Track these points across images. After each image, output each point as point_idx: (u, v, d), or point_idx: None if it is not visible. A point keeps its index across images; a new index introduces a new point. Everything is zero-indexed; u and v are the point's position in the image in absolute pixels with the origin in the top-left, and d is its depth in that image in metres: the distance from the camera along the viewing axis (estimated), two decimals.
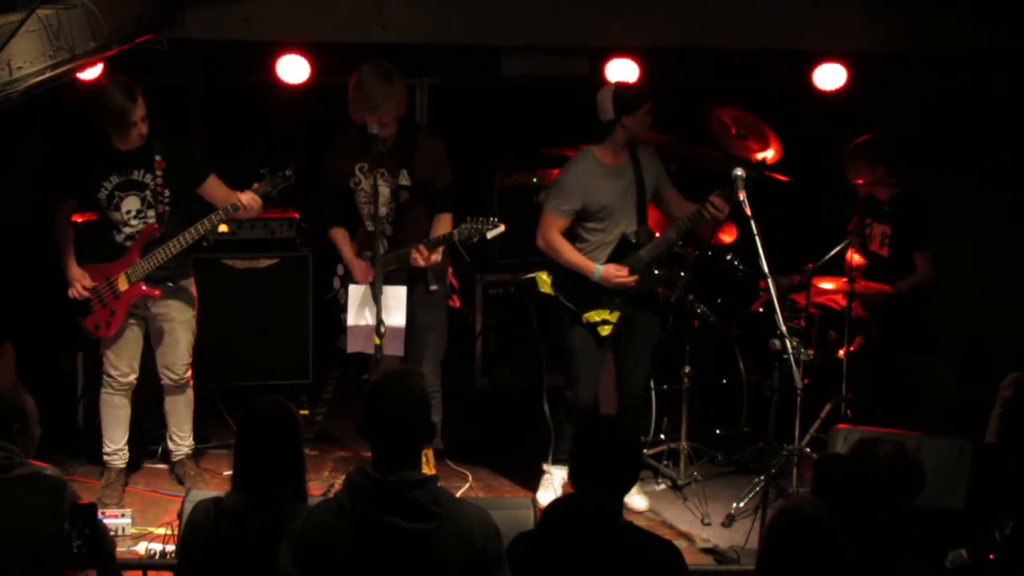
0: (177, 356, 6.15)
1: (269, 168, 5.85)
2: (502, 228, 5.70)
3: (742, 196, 5.49)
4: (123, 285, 5.96)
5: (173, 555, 4.96)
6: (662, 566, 3.71)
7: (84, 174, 5.93)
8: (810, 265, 6.46)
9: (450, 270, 6.30)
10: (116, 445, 6.19)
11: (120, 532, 5.57)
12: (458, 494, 5.58)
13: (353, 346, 5.96)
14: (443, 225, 5.99)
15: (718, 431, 6.91)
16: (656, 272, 6.04)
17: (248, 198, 5.85)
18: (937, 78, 7.14)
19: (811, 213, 7.60)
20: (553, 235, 5.97)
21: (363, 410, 3.58)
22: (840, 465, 4.12)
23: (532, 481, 6.37)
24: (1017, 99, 7.08)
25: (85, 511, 3.84)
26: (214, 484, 6.21)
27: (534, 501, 5.06)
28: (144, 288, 5.95)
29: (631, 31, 6.94)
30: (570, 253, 5.97)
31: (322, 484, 6.21)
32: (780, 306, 5.34)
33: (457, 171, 6.16)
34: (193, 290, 6.18)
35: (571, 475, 3.88)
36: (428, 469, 5.87)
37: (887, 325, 6.66)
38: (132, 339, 6.10)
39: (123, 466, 6.23)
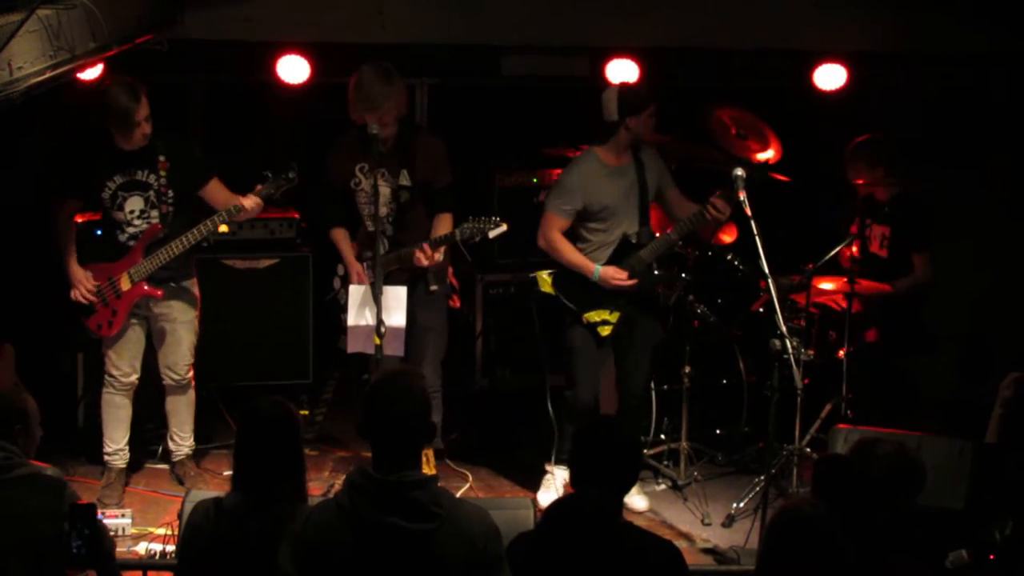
0: (179, 356, 6.15)
1: (273, 170, 5.85)
2: (504, 227, 5.70)
3: (742, 196, 5.49)
4: (125, 285, 5.96)
5: (173, 555, 4.97)
6: (662, 566, 3.71)
7: (88, 174, 5.93)
8: (810, 265, 6.46)
9: (450, 270, 6.31)
10: (117, 445, 6.19)
11: (120, 532, 5.57)
12: (458, 494, 5.59)
13: (353, 346, 5.97)
14: (443, 225, 5.99)
15: (718, 431, 6.92)
16: (656, 272, 6.05)
17: (252, 203, 5.85)
18: (937, 78, 7.14)
19: (811, 213, 7.60)
20: (554, 234, 5.97)
21: (363, 410, 3.58)
22: (840, 465, 4.12)
23: (532, 481, 6.37)
24: (1017, 99, 7.08)
25: (84, 511, 3.85)
26: (214, 484, 6.21)
27: (534, 501, 5.05)
28: (146, 288, 5.96)
29: (631, 31, 6.94)
30: (570, 253, 5.97)
31: (322, 484, 6.21)
32: (780, 306, 5.34)
33: (457, 171, 6.16)
34: (196, 290, 6.18)
35: (571, 475, 3.88)
36: (428, 469, 5.87)
37: (887, 325, 6.67)
38: (134, 339, 6.10)
39: (123, 466, 6.23)
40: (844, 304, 6.45)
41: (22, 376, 6.16)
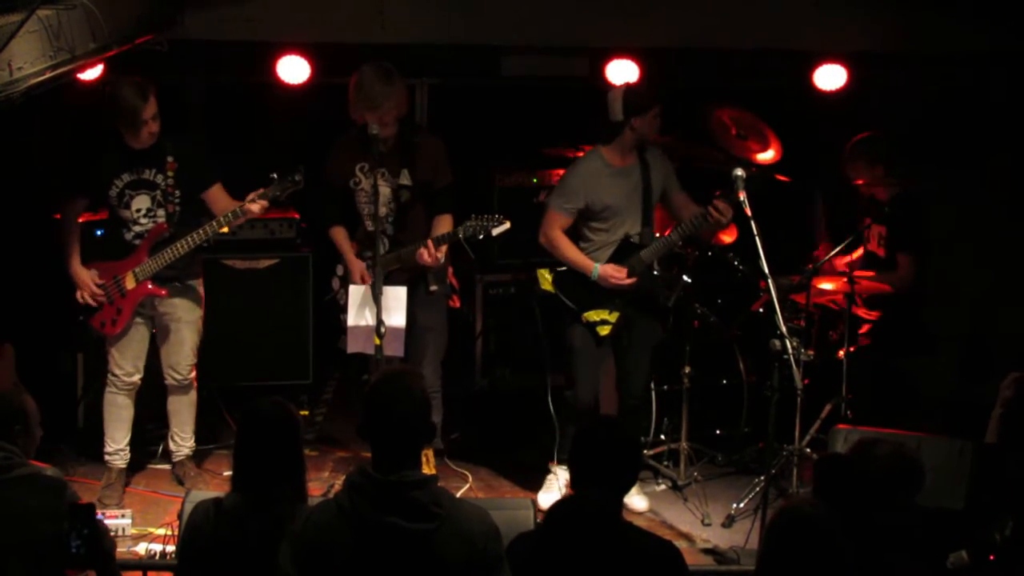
0: (182, 356, 6.15)
1: (279, 172, 5.85)
2: (507, 225, 5.71)
3: (742, 196, 5.49)
4: (130, 284, 5.97)
5: (173, 556, 4.97)
6: (662, 567, 3.71)
7: (96, 171, 5.95)
8: (810, 265, 6.46)
9: (450, 270, 6.31)
10: (118, 445, 6.19)
11: (120, 533, 5.57)
12: (458, 494, 5.59)
13: (353, 347, 5.97)
14: (443, 227, 5.98)
15: (718, 431, 6.92)
16: (656, 273, 6.04)
17: (259, 207, 5.85)
18: (937, 78, 7.13)
19: (811, 213, 7.60)
20: (555, 232, 5.98)
21: (363, 411, 3.58)
22: (840, 465, 4.12)
23: (532, 481, 6.37)
24: (1017, 99, 7.07)
25: (84, 511, 3.85)
26: (214, 485, 6.21)
27: (534, 502, 5.05)
28: (150, 287, 5.96)
29: (631, 31, 6.93)
30: (570, 251, 5.98)
31: (322, 484, 6.21)
32: (780, 306, 5.34)
33: (457, 171, 6.16)
34: (201, 290, 6.19)
35: (571, 475, 3.88)
36: (428, 469, 5.87)
37: (887, 325, 6.67)
38: (138, 338, 6.10)
39: (124, 466, 6.23)
40: (844, 303, 6.46)
41: (22, 376, 6.16)
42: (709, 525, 6.05)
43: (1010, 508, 4.81)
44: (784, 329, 5.29)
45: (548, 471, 6.27)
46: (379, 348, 5.56)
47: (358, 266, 6.08)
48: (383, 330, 5.56)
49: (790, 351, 5.25)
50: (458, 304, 6.58)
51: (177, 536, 4.49)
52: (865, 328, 6.69)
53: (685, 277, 6.60)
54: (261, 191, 5.85)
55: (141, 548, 5.46)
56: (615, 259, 5.95)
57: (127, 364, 6.10)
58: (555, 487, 6.19)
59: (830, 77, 6.98)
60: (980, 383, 6.61)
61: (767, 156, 7.09)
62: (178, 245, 5.91)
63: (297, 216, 7.18)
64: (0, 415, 4.12)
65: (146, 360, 6.17)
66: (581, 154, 6.52)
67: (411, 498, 3.45)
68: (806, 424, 6.37)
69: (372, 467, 3.51)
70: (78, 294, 6.00)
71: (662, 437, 6.79)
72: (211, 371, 6.50)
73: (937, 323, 6.81)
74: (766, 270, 5.38)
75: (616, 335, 6.04)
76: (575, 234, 6.03)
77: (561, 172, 6.77)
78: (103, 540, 3.91)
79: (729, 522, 6.04)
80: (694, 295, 6.71)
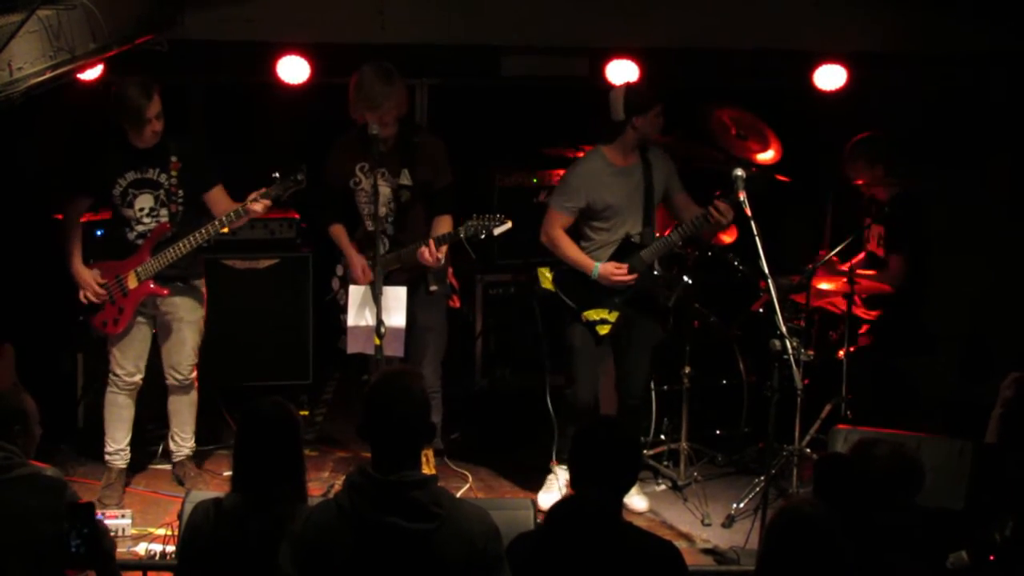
0: (183, 356, 6.15)
1: (282, 171, 5.85)
2: (509, 224, 5.71)
3: (742, 196, 5.49)
4: (132, 283, 5.97)
5: (173, 556, 4.97)
6: (662, 567, 3.71)
7: (99, 170, 5.96)
8: (810, 265, 6.46)
9: (450, 270, 6.31)
10: (118, 445, 6.19)
11: (120, 533, 5.56)
12: (458, 494, 5.59)
13: (353, 347, 5.96)
14: (443, 227, 5.98)
15: (718, 431, 6.92)
16: (656, 273, 6.04)
17: (262, 206, 5.85)
18: (937, 78, 7.13)
19: (811, 213, 7.59)
20: (556, 231, 5.98)
21: (363, 411, 3.58)
22: (840, 465, 4.12)
23: (532, 481, 6.37)
24: (1017, 99, 7.07)
25: (83, 510, 3.85)
26: (214, 485, 6.21)
27: (534, 502, 5.05)
28: (152, 286, 5.97)
29: (631, 31, 6.93)
30: (571, 250, 5.98)
31: (322, 484, 6.21)
32: (780, 306, 5.34)
33: (457, 171, 6.16)
34: (203, 290, 6.20)
35: (571, 475, 3.88)
36: (428, 469, 5.87)
37: (887, 325, 6.67)
38: (139, 338, 6.10)
39: (124, 466, 6.23)
40: (843, 306, 6.46)
41: (22, 376, 6.17)
42: (709, 525, 6.05)
43: (1010, 508, 4.81)
44: (784, 329, 5.29)
45: (549, 471, 6.26)
46: (379, 348, 5.56)
47: (359, 261, 6.08)
48: (383, 330, 5.56)
49: (790, 351, 5.25)
50: (458, 304, 6.58)
51: (177, 536, 4.49)
52: (865, 328, 6.69)
53: (685, 277, 6.60)
54: (263, 190, 5.85)
55: (141, 548, 5.46)
56: (615, 259, 5.96)
57: (128, 364, 6.11)
58: (555, 487, 6.19)
59: (830, 77, 6.98)
60: (980, 383, 6.62)
61: (767, 156, 7.09)
62: (180, 244, 5.91)
63: (297, 216, 7.18)
64: (0, 415, 4.12)
65: (147, 360, 6.17)
66: (581, 154, 6.52)
67: (411, 498, 3.45)
68: (806, 424, 6.37)
69: (372, 467, 3.51)
70: (81, 294, 6.01)
71: (662, 437, 6.79)
72: (211, 371, 6.50)
73: (937, 323, 6.81)
74: (766, 270, 5.38)
75: (616, 335, 6.04)
76: (576, 233, 6.03)
77: (561, 172, 6.78)
78: (103, 540, 3.91)
79: (729, 522, 6.04)
80: (694, 295, 6.71)
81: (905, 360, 6.73)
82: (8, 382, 5.98)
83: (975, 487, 5.39)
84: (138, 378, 6.15)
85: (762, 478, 5.95)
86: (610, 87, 6.10)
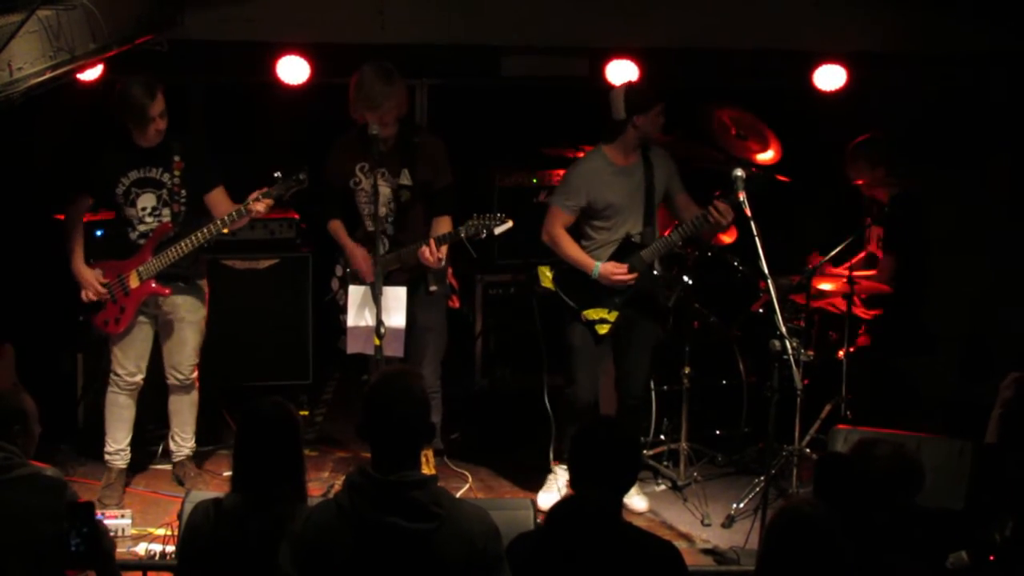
0: (184, 356, 6.16)
1: (284, 171, 5.85)
2: (510, 224, 5.70)
3: (742, 197, 5.49)
4: (134, 282, 5.98)
5: (173, 556, 4.97)
6: (662, 567, 3.71)
7: (102, 169, 5.97)
8: (811, 265, 6.47)
9: (450, 270, 6.31)
10: (119, 445, 6.19)
11: (120, 533, 5.56)
12: (458, 494, 5.60)
13: (353, 347, 5.96)
14: (443, 227, 5.97)
15: (718, 432, 6.92)
16: (656, 272, 6.04)
17: (264, 205, 5.85)
18: (937, 78, 7.13)
19: (811, 214, 7.60)
20: (557, 230, 5.99)
21: (362, 411, 3.58)
22: (841, 464, 4.12)
23: (532, 481, 6.37)
24: (1017, 99, 7.08)
25: (83, 510, 3.85)
26: (214, 485, 6.21)
27: (534, 502, 5.05)
28: (154, 286, 5.97)
29: (631, 31, 6.93)
30: (572, 249, 5.98)
31: (322, 484, 6.21)
32: (780, 307, 5.34)
33: (457, 171, 6.16)
34: (205, 290, 6.21)
35: (571, 475, 3.88)
36: (428, 469, 5.87)
37: (887, 325, 6.67)
38: (141, 338, 6.11)
39: (124, 466, 6.23)
40: (842, 306, 6.46)
41: (22, 376, 6.17)
42: (709, 525, 6.05)
43: (1010, 508, 4.81)
44: (784, 329, 5.29)
45: (549, 471, 6.26)
46: (379, 348, 5.56)
47: (360, 251, 6.06)
48: (383, 330, 5.55)
49: (790, 351, 5.25)
50: (458, 304, 6.58)
51: (177, 536, 4.49)
52: (864, 328, 6.69)
53: (685, 277, 6.60)
54: (265, 190, 5.85)
55: (141, 548, 5.46)
56: (615, 258, 5.95)
57: (130, 364, 6.11)
58: (555, 487, 6.19)
59: (830, 77, 6.98)
60: (980, 383, 6.62)
61: (767, 156, 7.09)
62: (182, 244, 5.92)
63: (297, 216, 7.18)
64: (0, 415, 4.12)
65: (148, 360, 6.18)
66: (581, 154, 6.52)
67: (411, 498, 3.45)
68: (806, 424, 6.37)
69: (372, 467, 3.51)
70: (83, 293, 6.01)
71: (662, 437, 6.79)
72: (211, 371, 6.50)
73: (937, 323, 6.81)
74: (766, 270, 5.38)
75: (616, 335, 6.04)
76: (577, 232, 6.04)
77: (561, 172, 6.78)
78: (103, 539, 3.91)
79: (729, 522, 6.04)
80: (694, 295, 6.71)
81: (905, 360, 6.73)
82: (8, 382, 5.98)
83: (975, 487, 5.39)
84: (139, 378, 6.15)
85: (762, 478, 5.95)
86: (610, 87, 6.10)
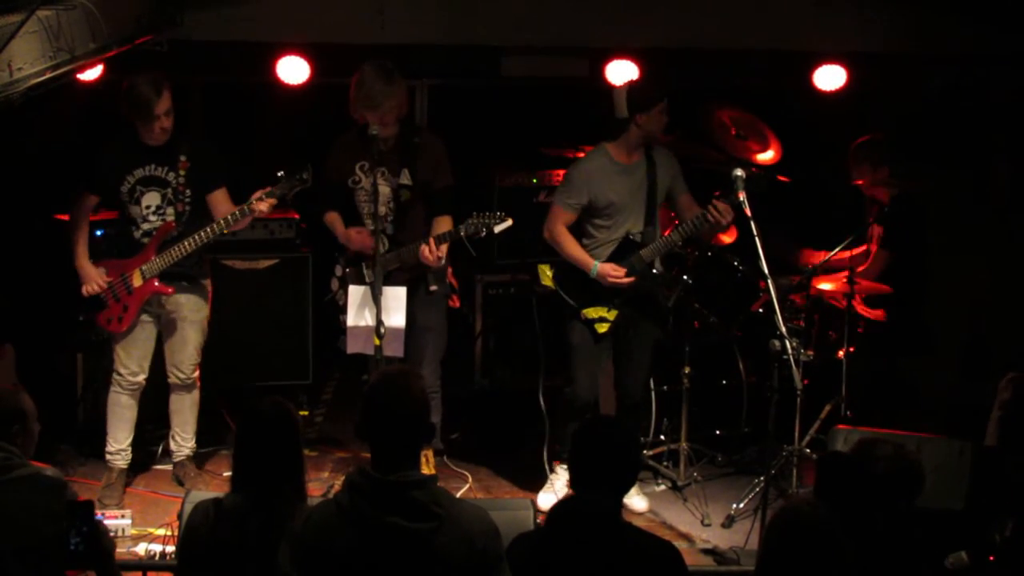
0: (186, 355, 6.16)
1: (287, 170, 5.85)
2: (509, 222, 5.70)
3: (742, 197, 5.49)
4: (137, 281, 5.99)
5: (173, 556, 4.97)
6: (662, 567, 3.71)
7: (109, 166, 5.98)
8: (810, 265, 6.47)
9: (449, 270, 6.31)
10: (120, 445, 6.19)
11: (120, 533, 5.57)
12: (458, 494, 5.60)
13: (353, 347, 5.96)
14: (443, 227, 5.97)
15: (718, 432, 6.91)
16: (655, 272, 6.04)
17: (267, 205, 5.86)
18: (937, 78, 7.13)
19: (811, 214, 7.60)
20: (558, 228, 5.99)
21: (362, 411, 3.58)
22: (843, 464, 4.12)
23: (532, 481, 6.37)
24: (1017, 99, 7.08)
25: (82, 508, 3.85)
26: (214, 485, 6.21)
27: (534, 502, 5.05)
28: (157, 284, 5.98)
29: (631, 32, 6.93)
30: (572, 247, 5.98)
31: (322, 484, 6.21)
32: (780, 306, 5.34)
33: (457, 171, 6.16)
34: (208, 290, 6.21)
35: (571, 476, 3.88)
36: (428, 469, 5.88)
37: (888, 325, 6.67)
38: (144, 338, 6.11)
39: (125, 466, 6.23)
40: (843, 301, 6.46)
41: (22, 376, 6.17)
42: (709, 525, 6.05)
43: (1010, 509, 4.81)
44: (784, 329, 5.29)
45: (551, 471, 6.26)
46: (379, 348, 5.56)
47: (352, 231, 6.04)
48: (383, 330, 5.55)
49: (790, 351, 5.25)
50: (458, 304, 6.58)
51: (177, 536, 4.49)
52: (864, 327, 6.69)
53: (685, 277, 6.60)
54: (268, 189, 5.86)
55: (141, 548, 5.46)
56: (615, 257, 5.95)
57: (132, 364, 6.11)
58: (555, 487, 6.19)
59: (830, 77, 6.98)
60: (980, 383, 6.61)
61: (767, 156, 7.09)
62: (185, 243, 5.92)
63: (297, 216, 7.18)
64: (0, 416, 4.13)
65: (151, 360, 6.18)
66: (581, 154, 6.52)
67: (411, 498, 3.45)
68: (806, 424, 6.37)
69: (372, 467, 3.51)
70: (84, 287, 6.01)
71: (662, 437, 6.79)
72: (211, 371, 6.50)
73: (937, 323, 6.81)
74: (766, 270, 5.38)
75: (615, 334, 6.04)
76: (579, 231, 6.04)
77: (561, 172, 6.78)
78: (102, 538, 3.91)
79: (729, 522, 6.04)
80: (694, 295, 6.71)
81: (905, 360, 6.73)
82: (8, 382, 5.98)
83: (975, 488, 5.39)
84: (141, 378, 6.15)
85: (762, 478, 5.95)
86: (610, 87, 6.10)
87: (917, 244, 6.65)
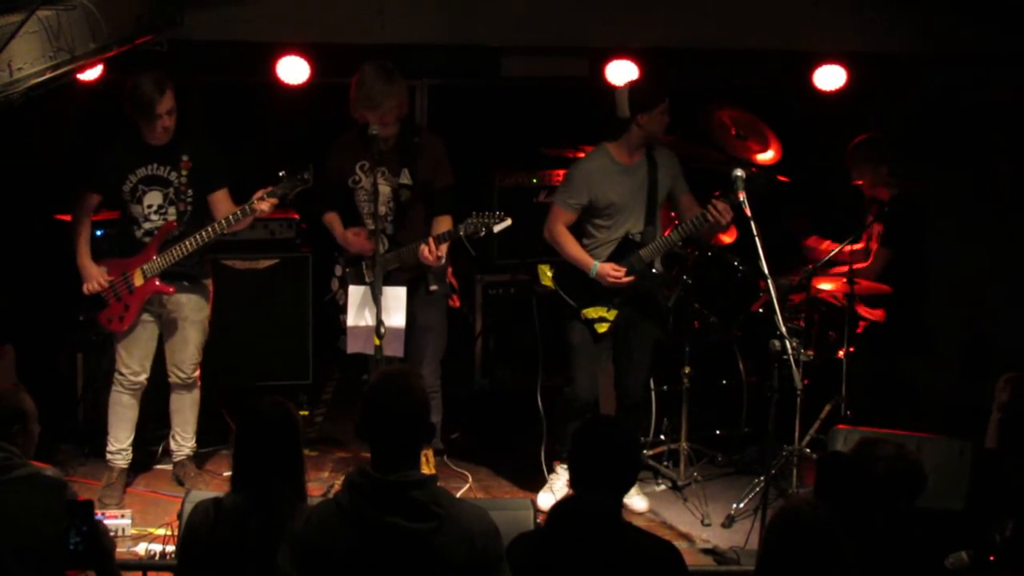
0: (187, 354, 6.16)
1: (288, 170, 5.86)
2: (509, 222, 5.70)
3: (742, 197, 5.49)
4: (138, 280, 5.99)
5: (173, 556, 4.97)
6: (662, 567, 3.71)
7: (112, 164, 5.98)
8: (810, 265, 6.47)
9: (450, 269, 6.31)
10: (120, 444, 6.20)
11: (120, 533, 5.57)
12: (458, 494, 5.60)
13: (353, 347, 5.96)
14: (443, 227, 5.97)
15: (718, 432, 6.91)
16: (655, 272, 6.04)
17: (268, 204, 5.86)
18: (937, 78, 7.13)
19: (811, 214, 7.60)
20: (558, 228, 5.99)
21: (362, 411, 3.58)
22: (844, 464, 4.12)
23: (532, 481, 6.37)
24: (1017, 99, 7.08)
25: (82, 508, 3.85)
26: (214, 485, 6.21)
27: (534, 502, 5.05)
28: (158, 284, 5.98)
29: (631, 32, 6.93)
30: (571, 247, 5.98)
31: (322, 484, 6.21)
32: (780, 306, 5.34)
33: (457, 171, 6.16)
34: (209, 289, 6.22)
35: (571, 476, 3.88)
36: (428, 469, 5.88)
37: (888, 325, 6.67)
38: (145, 337, 6.11)
39: (125, 466, 6.23)
40: (844, 301, 6.47)
41: (22, 376, 6.17)
42: (709, 525, 6.05)
43: (1010, 509, 4.81)
44: (784, 329, 5.29)
45: (552, 470, 6.26)
46: (379, 348, 5.56)
47: (351, 233, 6.04)
48: (383, 330, 5.55)
49: (790, 351, 5.25)
50: (458, 304, 6.59)
51: (177, 536, 4.49)
52: (864, 327, 6.69)
53: (685, 277, 6.60)
54: (270, 189, 5.86)
55: (141, 548, 5.46)
56: (615, 256, 5.95)
57: (134, 363, 6.11)
58: (556, 487, 6.19)
59: (830, 77, 6.98)
60: (980, 383, 6.62)
61: (767, 156, 7.09)
62: (186, 243, 5.93)
63: (297, 216, 7.18)
64: (0, 416, 4.13)
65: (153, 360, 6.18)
66: (581, 154, 6.52)
67: (411, 498, 3.45)
68: (806, 424, 6.37)
69: (372, 467, 3.51)
70: (84, 286, 6.02)
71: (662, 437, 6.79)
72: (211, 371, 6.50)
73: (937, 323, 6.81)
74: (766, 270, 5.38)
75: (615, 334, 6.04)
76: (579, 231, 6.04)
77: (561, 172, 6.78)
78: (102, 538, 3.91)
79: (729, 522, 6.04)
80: (694, 295, 6.71)
81: (905, 360, 6.73)
82: (8, 382, 5.98)
83: (975, 488, 5.39)
84: (143, 378, 6.15)
85: (762, 478, 5.95)
86: (611, 87, 6.09)
87: (917, 244, 6.65)
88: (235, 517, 3.80)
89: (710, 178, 6.51)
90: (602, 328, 5.99)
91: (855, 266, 6.49)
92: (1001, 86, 7.11)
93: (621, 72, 6.91)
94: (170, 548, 5.15)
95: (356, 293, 5.95)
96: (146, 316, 6.08)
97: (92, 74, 6.02)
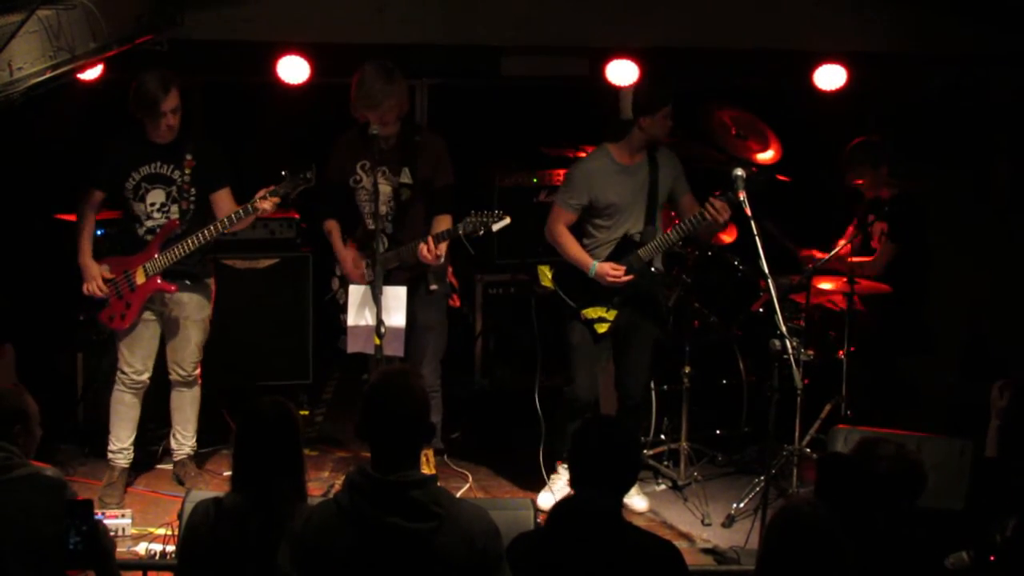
0: (188, 353, 6.17)
1: (290, 169, 5.86)
2: (507, 220, 5.70)
3: (742, 196, 5.49)
4: (140, 279, 6.00)
5: (173, 555, 4.97)
6: (662, 567, 3.71)
7: (116, 162, 5.98)
8: (810, 265, 6.47)
9: (450, 269, 6.31)
10: (122, 444, 6.20)
11: (120, 532, 5.57)
12: (458, 494, 5.59)
13: (353, 346, 5.97)
14: (442, 226, 5.97)
15: (718, 431, 6.91)
16: (654, 271, 6.04)
17: (270, 204, 5.86)
18: (937, 78, 7.13)
19: (811, 214, 7.60)
20: (558, 228, 5.99)
21: (362, 411, 3.58)
22: (844, 464, 4.12)
23: (532, 481, 6.37)
24: (1017, 99, 7.08)
25: (82, 507, 3.85)
26: (214, 485, 6.21)
27: (534, 502, 5.05)
28: (159, 282, 5.98)
29: (631, 31, 6.93)
30: (571, 247, 5.98)
31: (322, 484, 6.21)
32: (780, 306, 5.34)
33: (457, 171, 6.16)
34: (212, 288, 6.22)
35: (571, 475, 3.89)
36: (428, 469, 5.88)
37: (887, 325, 6.67)
38: (148, 336, 6.11)
39: (126, 465, 6.23)
40: (842, 303, 6.46)
41: (22, 376, 6.17)
42: (709, 525, 6.05)
43: (1011, 509, 4.81)
44: (784, 329, 5.29)
45: (553, 470, 6.26)
46: (379, 348, 5.56)
47: (348, 255, 6.07)
48: (383, 330, 5.56)
49: (790, 351, 5.25)
50: (458, 303, 6.59)
51: (177, 536, 4.49)
52: (864, 327, 6.69)
53: (685, 277, 6.60)
54: (272, 188, 5.86)
55: (141, 548, 5.46)
56: (614, 256, 5.96)
57: (136, 362, 6.11)
58: (556, 487, 6.19)
59: (830, 77, 6.97)
60: (980, 383, 6.62)
61: (767, 156, 7.09)
62: (188, 242, 5.94)
63: (297, 216, 7.18)
64: (1, 416, 4.12)
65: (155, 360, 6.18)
66: (581, 154, 6.52)
67: (411, 498, 3.45)
68: (806, 424, 6.37)
69: (372, 467, 3.51)
70: (84, 286, 6.02)
71: (662, 437, 6.79)
72: (211, 371, 6.50)
73: (937, 323, 6.81)
74: (766, 270, 5.37)
75: (615, 334, 6.04)
76: (579, 231, 6.04)
77: (562, 172, 6.78)
78: (102, 538, 3.91)
79: (729, 522, 6.04)
80: (694, 295, 6.71)
81: (905, 360, 6.72)
82: (8, 382, 5.98)
83: (975, 487, 5.39)
84: (145, 377, 6.15)
85: (762, 478, 5.95)
86: (611, 87, 6.09)
87: (917, 244, 6.65)
88: (235, 517, 3.80)
89: (710, 178, 6.50)
90: (602, 328, 5.99)
91: (859, 259, 6.49)
92: (1001, 86, 7.11)
93: (621, 72, 6.90)
94: (170, 548, 5.15)
95: (356, 292, 5.95)
96: (148, 315, 6.09)
97: (92, 74, 6.02)
